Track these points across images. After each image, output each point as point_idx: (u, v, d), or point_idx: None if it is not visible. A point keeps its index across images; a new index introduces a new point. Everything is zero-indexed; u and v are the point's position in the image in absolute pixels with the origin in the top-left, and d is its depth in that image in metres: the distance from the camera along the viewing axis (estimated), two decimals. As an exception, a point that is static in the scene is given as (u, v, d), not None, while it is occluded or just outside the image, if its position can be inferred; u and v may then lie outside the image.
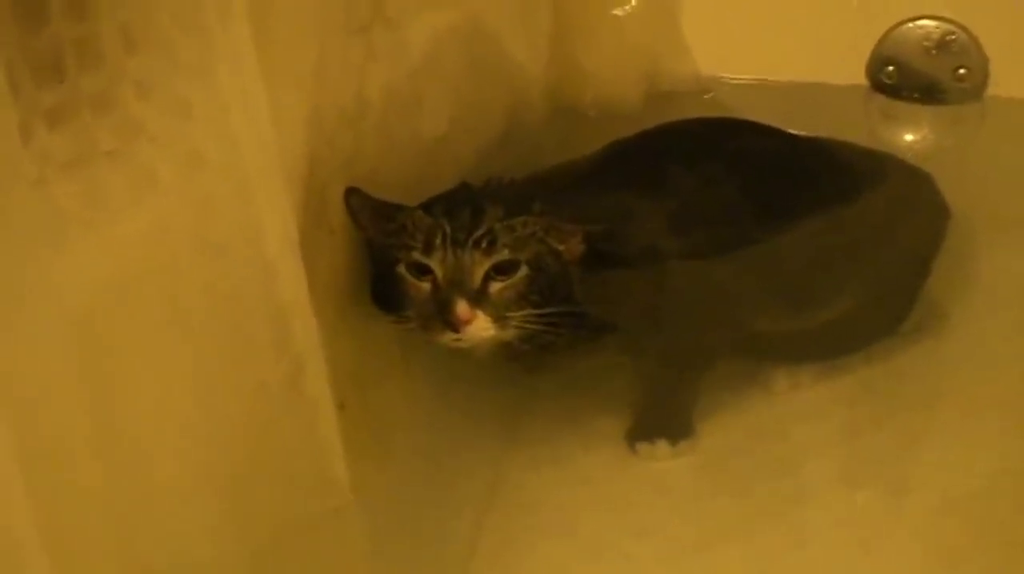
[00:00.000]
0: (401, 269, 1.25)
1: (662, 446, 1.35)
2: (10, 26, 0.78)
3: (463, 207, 1.26)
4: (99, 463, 0.86)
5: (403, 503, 1.27)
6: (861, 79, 1.86)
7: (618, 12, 1.79)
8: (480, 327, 1.22)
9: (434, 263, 1.23)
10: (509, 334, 1.24)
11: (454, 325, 1.21)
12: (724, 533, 1.27)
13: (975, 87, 1.84)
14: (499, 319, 1.23)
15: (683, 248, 1.32)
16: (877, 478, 1.33)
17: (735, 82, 1.86)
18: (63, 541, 0.82)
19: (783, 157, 1.44)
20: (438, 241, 1.23)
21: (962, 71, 1.83)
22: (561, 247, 1.27)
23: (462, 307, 1.21)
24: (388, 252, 1.26)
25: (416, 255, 1.23)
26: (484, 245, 1.23)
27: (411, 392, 1.35)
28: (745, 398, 1.41)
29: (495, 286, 1.23)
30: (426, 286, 1.24)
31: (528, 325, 1.24)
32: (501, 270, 1.23)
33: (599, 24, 1.78)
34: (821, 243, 1.39)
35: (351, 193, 1.25)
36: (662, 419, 1.37)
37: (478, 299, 1.22)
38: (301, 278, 1.03)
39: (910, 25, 1.84)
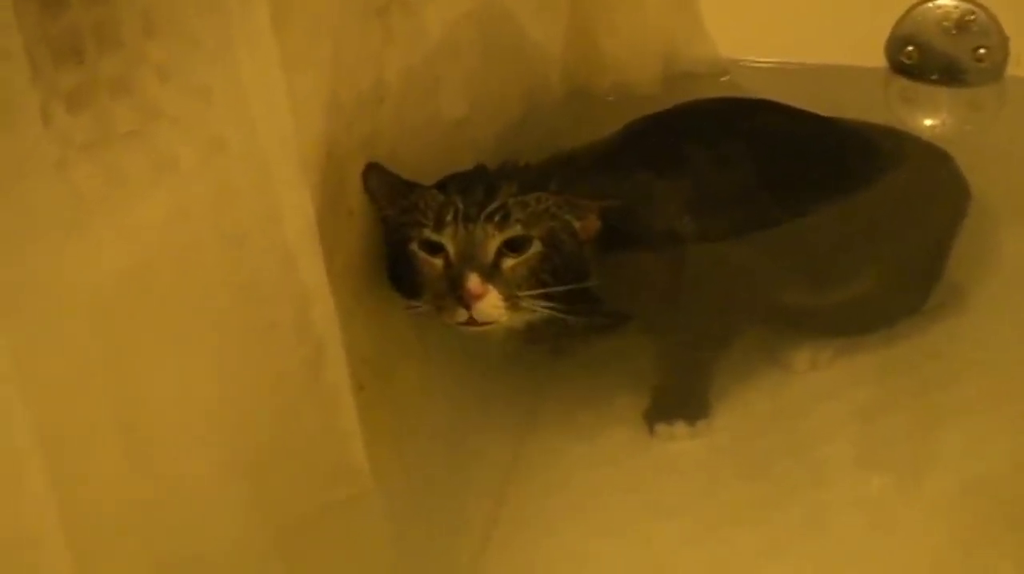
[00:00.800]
0: (414, 246, 1.24)
1: (680, 427, 1.35)
2: (31, 9, 0.79)
3: (477, 184, 1.25)
4: (121, 450, 0.87)
5: (421, 486, 1.27)
6: (880, 60, 1.86)
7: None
8: (491, 303, 1.20)
9: (446, 239, 1.22)
10: (521, 317, 1.23)
11: (465, 300, 1.19)
12: (742, 514, 1.27)
13: (995, 67, 1.83)
14: (511, 298, 1.21)
15: (702, 229, 1.31)
16: (895, 460, 1.33)
17: (754, 64, 1.86)
18: (84, 529, 0.83)
19: (802, 136, 1.43)
20: (449, 217, 1.22)
21: (982, 51, 1.83)
22: (577, 224, 1.26)
23: (474, 281, 1.19)
24: (402, 230, 1.25)
25: (428, 232, 1.22)
26: (497, 219, 1.21)
27: (428, 375, 1.35)
28: (764, 378, 1.41)
29: (508, 262, 1.22)
30: (439, 263, 1.22)
31: (540, 306, 1.22)
32: (514, 246, 1.22)
33: (618, 6, 1.77)
34: (841, 222, 1.39)
35: (371, 169, 1.25)
36: (680, 400, 1.38)
37: (491, 274, 1.20)
38: (320, 263, 1.03)
39: (929, 5, 1.84)
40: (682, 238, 1.32)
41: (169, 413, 0.93)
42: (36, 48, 0.79)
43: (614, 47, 1.78)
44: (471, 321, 1.21)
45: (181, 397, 0.94)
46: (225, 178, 0.95)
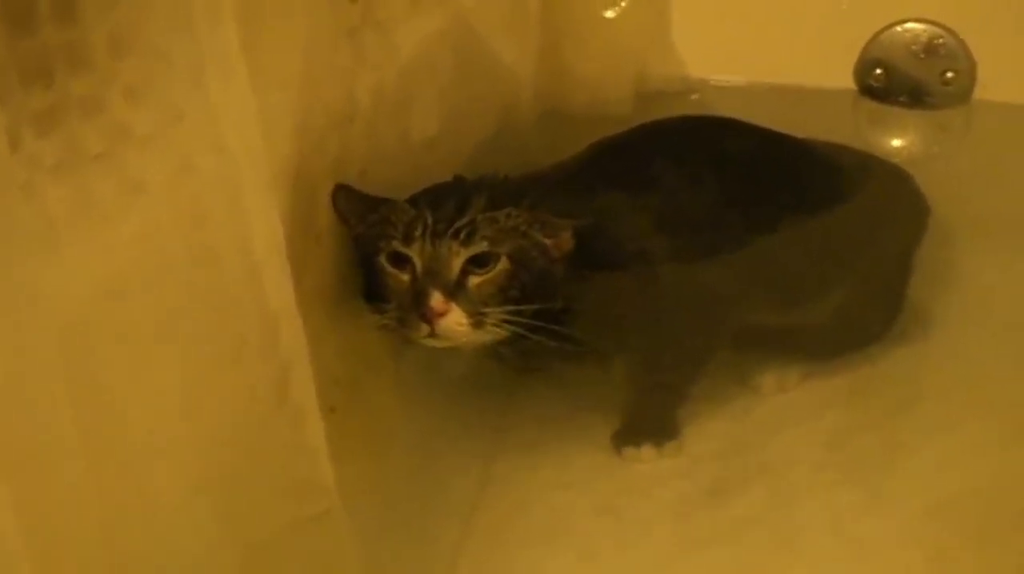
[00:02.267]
0: (382, 259, 1.23)
1: (648, 449, 1.35)
2: (-1, 31, 0.78)
3: (448, 198, 1.24)
4: (88, 470, 0.86)
5: (391, 505, 1.26)
6: (849, 82, 1.87)
7: (608, 14, 1.80)
8: (454, 321, 1.19)
9: (413, 253, 1.21)
10: (485, 334, 1.22)
11: (428, 317, 1.19)
12: (709, 536, 1.27)
13: (962, 91, 1.84)
14: (475, 315, 1.20)
15: (671, 250, 1.31)
16: (863, 481, 1.33)
17: (723, 84, 1.87)
18: (48, 547, 0.82)
19: (767, 155, 1.44)
20: (418, 231, 1.21)
21: (949, 75, 1.84)
22: (548, 242, 1.25)
23: (436, 298, 1.19)
24: (373, 243, 1.24)
25: (396, 244, 1.22)
26: (463, 236, 1.20)
27: (400, 395, 1.35)
28: (732, 400, 1.42)
29: (473, 279, 1.21)
30: (405, 277, 1.22)
31: (506, 324, 1.21)
32: (480, 262, 1.21)
33: (588, 26, 1.78)
34: (809, 241, 1.39)
35: (339, 190, 1.24)
36: (648, 422, 1.38)
37: (454, 292, 1.20)
38: (288, 284, 1.03)
39: (898, 29, 1.85)
40: (653, 259, 1.31)
41: (136, 433, 0.92)
42: (4, 70, 0.78)
43: (585, 67, 1.79)
44: (434, 336, 1.20)
45: (149, 416, 0.93)
46: (195, 200, 0.94)
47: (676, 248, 1.32)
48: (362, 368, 1.28)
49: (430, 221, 1.21)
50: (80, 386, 0.85)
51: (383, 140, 1.31)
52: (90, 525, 0.87)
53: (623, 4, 1.79)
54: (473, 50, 1.52)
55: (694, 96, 1.86)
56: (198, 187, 0.94)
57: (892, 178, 1.54)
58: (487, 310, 1.21)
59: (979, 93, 1.83)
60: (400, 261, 1.22)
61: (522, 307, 1.21)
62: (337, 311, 1.24)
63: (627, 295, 1.32)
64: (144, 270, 0.91)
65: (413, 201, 1.25)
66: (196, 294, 0.95)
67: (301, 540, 1.10)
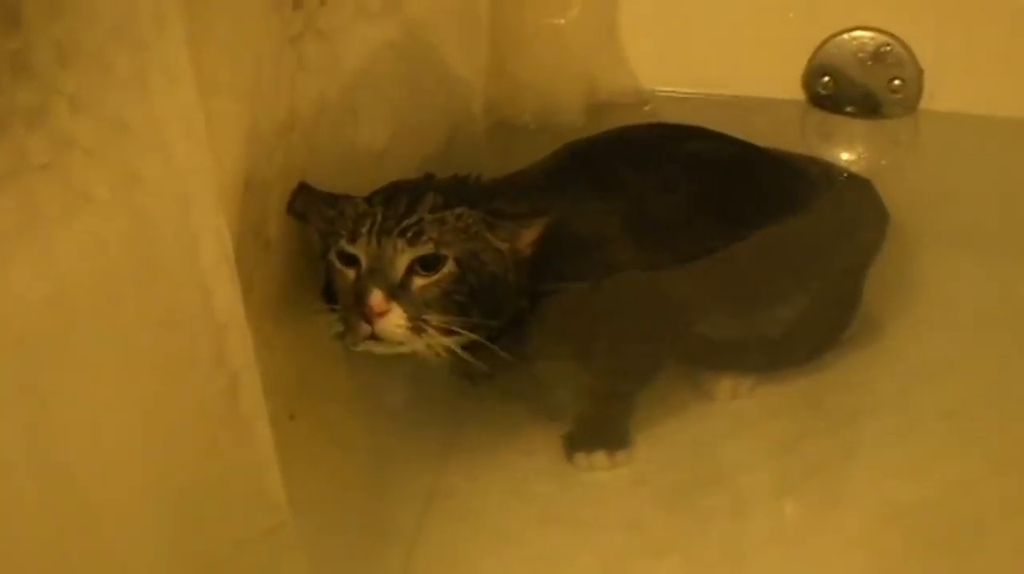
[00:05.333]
0: (332, 256, 1.22)
1: (600, 457, 1.34)
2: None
3: (402, 197, 1.22)
4: (34, 485, 0.86)
5: (342, 516, 1.26)
6: (798, 91, 1.88)
7: (557, 21, 1.80)
8: (393, 322, 1.17)
9: (359, 251, 1.19)
10: (428, 340, 1.20)
11: (367, 316, 1.17)
12: (661, 544, 1.27)
13: (910, 98, 1.85)
14: (415, 319, 1.18)
15: (634, 257, 1.31)
16: (815, 489, 1.33)
17: (673, 95, 1.87)
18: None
19: (732, 163, 1.44)
20: (365, 229, 1.19)
21: (897, 82, 1.85)
22: (503, 246, 1.24)
23: (377, 297, 1.16)
24: (327, 240, 1.23)
25: (343, 242, 1.21)
26: (409, 235, 1.19)
27: (354, 404, 1.35)
28: (684, 407, 1.41)
29: (418, 281, 1.19)
30: (351, 275, 1.20)
31: (447, 335, 1.20)
32: (426, 264, 1.19)
33: (538, 37, 1.78)
34: (771, 249, 1.39)
35: (300, 189, 1.24)
36: (600, 430, 1.37)
37: (396, 292, 1.18)
38: (236, 294, 1.02)
39: (845, 37, 1.86)
40: (615, 266, 1.30)
41: (85, 446, 0.92)
42: (-52, 79, 0.78)
43: (535, 78, 1.79)
44: (374, 338, 1.18)
45: (97, 428, 0.93)
46: (141, 210, 0.93)
47: (639, 255, 1.31)
48: (318, 376, 1.28)
49: (379, 218, 1.20)
50: (26, 399, 0.85)
51: (325, 151, 1.30)
52: (34, 542, 0.87)
53: (573, 12, 1.79)
54: (423, 60, 1.51)
55: (646, 107, 1.86)
56: (144, 197, 0.93)
57: (853, 186, 1.55)
58: (429, 316, 1.19)
59: (926, 102, 1.85)
60: (347, 259, 1.21)
61: (465, 320, 1.20)
62: (290, 319, 1.24)
63: (588, 302, 1.31)
64: (90, 280, 0.90)
65: (370, 198, 1.24)
66: (143, 305, 0.95)
67: (252, 556, 1.09)
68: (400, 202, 1.22)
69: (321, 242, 1.25)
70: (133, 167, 0.92)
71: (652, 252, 1.32)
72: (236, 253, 1.03)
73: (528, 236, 1.24)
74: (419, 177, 1.30)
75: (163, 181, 0.94)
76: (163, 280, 0.96)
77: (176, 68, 0.93)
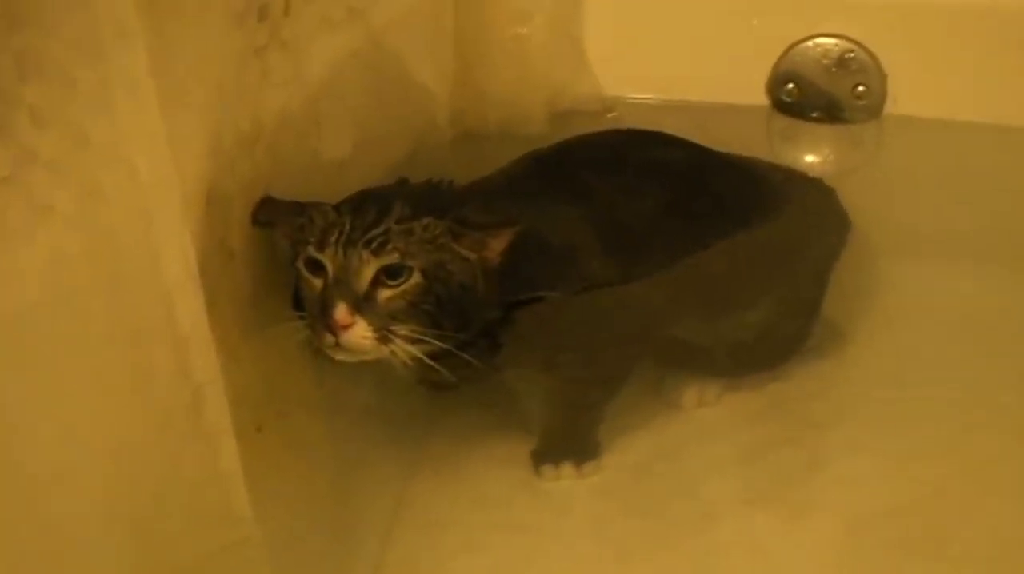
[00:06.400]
0: (299, 264, 1.21)
1: (567, 468, 1.35)
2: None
3: (372, 205, 1.21)
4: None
5: (309, 527, 1.25)
6: (762, 98, 1.88)
7: (521, 30, 1.80)
8: (358, 335, 1.16)
9: (326, 259, 1.18)
10: (396, 350, 1.19)
11: (332, 328, 1.16)
12: (628, 555, 1.27)
13: (874, 104, 1.86)
14: (381, 330, 1.17)
15: (603, 266, 1.30)
16: (781, 497, 1.34)
17: (637, 102, 1.88)
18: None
19: (696, 169, 1.43)
20: (333, 238, 1.18)
21: (861, 88, 1.86)
22: (473, 256, 1.22)
23: (341, 311, 1.16)
24: (294, 249, 1.22)
25: (311, 250, 1.19)
26: (374, 246, 1.17)
27: (322, 413, 1.34)
28: (651, 416, 1.42)
29: (384, 292, 1.18)
30: (318, 284, 1.19)
31: (414, 344, 1.19)
32: (392, 274, 1.18)
33: (500, 46, 1.78)
34: (735, 255, 1.38)
35: (263, 202, 1.24)
36: (568, 441, 1.37)
37: (361, 304, 1.17)
38: (200, 307, 1.02)
39: (809, 43, 1.87)
40: (585, 275, 1.30)
41: (47, 460, 0.91)
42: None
43: (499, 87, 1.78)
44: (339, 347, 1.18)
45: (60, 443, 0.92)
46: (103, 223, 0.93)
47: (609, 263, 1.30)
48: (285, 387, 1.27)
49: (347, 228, 1.19)
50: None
51: (290, 161, 1.30)
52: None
53: (537, 21, 1.79)
54: (387, 70, 1.51)
55: (610, 114, 1.86)
56: (107, 212, 0.93)
57: (815, 192, 1.55)
58: (396, 326, 1.18)
59: (890, 107, 1.85)
60: (316, 267, 1.19)
61: (433, 331, 1.19)
62: (256, 331, 1.22)
63: (558, 311, 1.30)
64: (53, 294, 0.90)
65: (339, 206, 1.23)
66: (106, 320, 0.94)
67: (218, 569, 1.09)
68: (368, 212, 1.20)
69: (291, 250, 1.24)
70: (95, 181, 0.91)
71: (622, 260, 1.31)
72: (200, 266, 1.02)
73: (496, 246, 1.23)
74: (392, 183, 1.30)
75: (125, 195, 0.93)
76: (126, 294, 0.96)
77: (138, 82, 0.93)
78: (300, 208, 1.24)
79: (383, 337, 1.18)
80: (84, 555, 0.95)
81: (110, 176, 0.92)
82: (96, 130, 0.91)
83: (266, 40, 1.23)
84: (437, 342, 1.20)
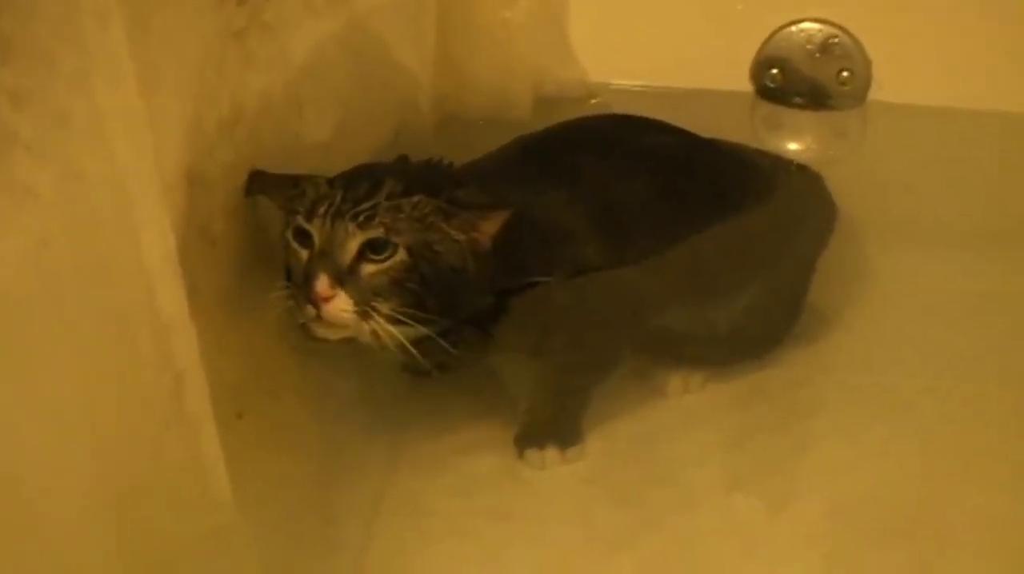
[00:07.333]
0: (288, 233, 1.20)
1: (551, 453, 1.34)
2: None
3: (364, 181, 1.21)
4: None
5: (294, 512, 1.25)
6: (746, 84, 1.88)
7: (505, 15, 1.79)
8: (339, 308, 1.16)
9: (314, 230, 1.18)
10: (372, 327, 1.18)
11: (313, 299, 1.16)
12: (612, 540, 1.27)
13: (858, 90, 1.86)
14: (362, 305, 1.17)
15: (595, 251, 1.30)
16: (765, 484, 1.34)
17: (621, 88, 1.87)
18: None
19: (686, 155, 1.43)
20: (322, 209, 1.18)
21: (845, 74, 1.86)
22: (462, 238, 1.21)
23: (323, 282, 1.15)
24: (285, 218, 1.22)
25: (300, 220, 1.19)
26: (361, 219, 1.17)
27: (304, 400, 1.34)
28: (635, 403, 1.42)
29: (368, 267, 1.17)
30: (304, 254, 1.19)
31: (395, 325, 1.18)
32: (377, 249, 1.17)
33: (484, 31, 1.77)
34: (724, 241, 1.39)
35: (253, 176, 1.24)
36: (552, 425, 1.37)
37: (344, 277, 1.16)
38: (181, 292, 1.01)
39: (793, 29, 1.87)
40: (578, 261, 1.30)
41: (26, 446, 0.90)
42: None
43: (482, 72, 1.78)
44: (320, 319, 1.17)
45: (39, 429, 0.91)
46: (84, 206, 0.92)
47: (602, 249, 1.30)
48: (266, 374, 1.27)
49: (337, 200, 1.18)
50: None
51: (271, 144, 1.29)
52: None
53: (521, 5, 1.79)
54: (370, 54, 1.51)
55: (594, 100, 1.86)
56: (87, 194, 0.92)
57: (803, 178, 1.55)
58: (378, 303, 1.18)
59: (875, 93, 1.85)
60: (303, 237, 1.19)
61: (414, 312, 1.19)
62: (237, 317, 1.22)
63: (550, 296, 1.29)
64: (33, 278, 0.89)
65: (332, 180, 1.22)
66: (86, 305, 0.93)
67: (199, 556, 1.08)
68: (360, 186, 1.20)
69: (285, 219, 1.23)
70: (76, 163, 0.91)
71: (615, 245, 1.31)
72: (181, 251, 1.02)
73: (488, 228, 1.22)
74: (392, 161, 1.30)
75: (105, 178, 0.93)
76: (106, 279, 0.95)
77: (117, 64, 0.92)
78: (294, 180, 1.23)
79: (364, 313, 1.17)
80: (64, 541, 0.94)
81: (90, 159, 0.91)
82: (76, 112, 0.90)
83: (245, 23, 1.22)
84: (419, 325, 1.19)
